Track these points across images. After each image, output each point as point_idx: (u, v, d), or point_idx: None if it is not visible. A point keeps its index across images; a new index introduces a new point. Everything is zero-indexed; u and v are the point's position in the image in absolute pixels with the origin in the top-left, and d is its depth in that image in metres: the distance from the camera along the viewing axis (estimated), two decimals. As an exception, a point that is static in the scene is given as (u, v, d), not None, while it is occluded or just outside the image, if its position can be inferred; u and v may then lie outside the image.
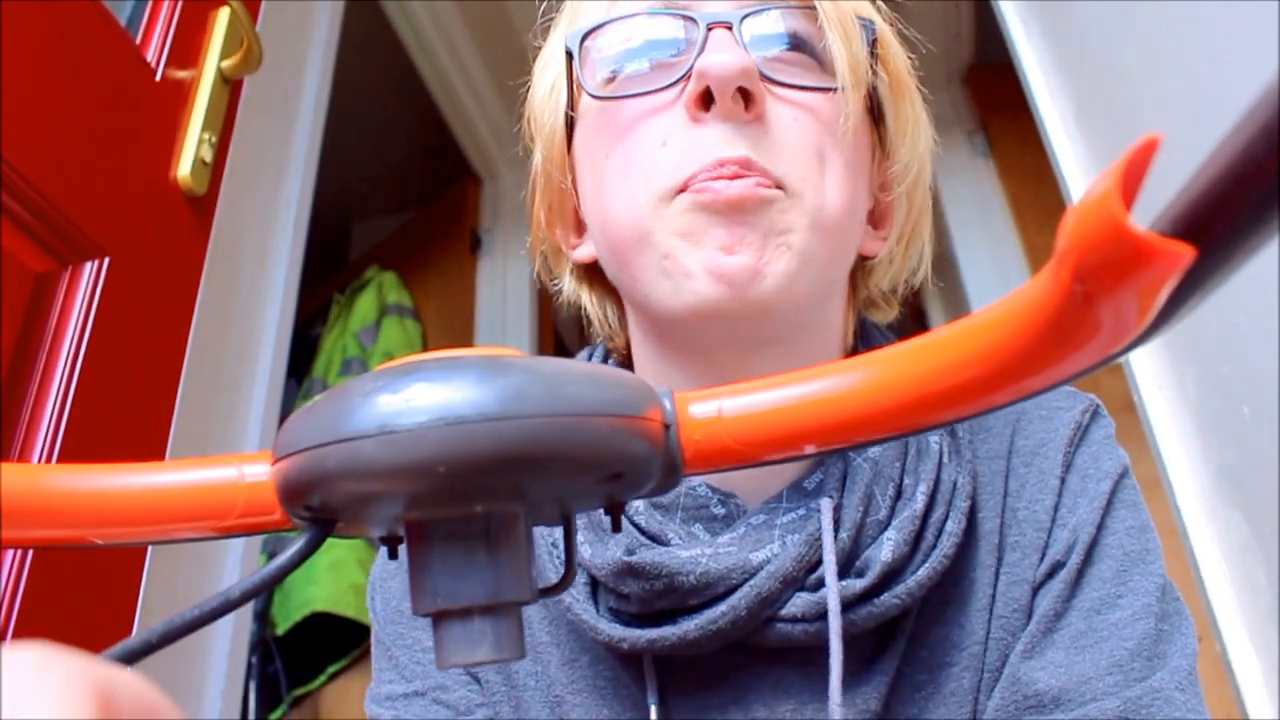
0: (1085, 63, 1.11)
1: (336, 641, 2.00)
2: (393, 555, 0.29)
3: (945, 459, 0.51)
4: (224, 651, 1.07)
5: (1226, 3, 0.78)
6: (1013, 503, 0.52)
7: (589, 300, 0.59)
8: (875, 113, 0.53)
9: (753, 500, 0.52)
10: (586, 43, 0.52)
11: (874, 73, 0.51)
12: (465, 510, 0.26)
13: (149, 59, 1.02)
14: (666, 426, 0.27)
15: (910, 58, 0.55)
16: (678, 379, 0.53)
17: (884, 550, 0.47)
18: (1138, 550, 0.49)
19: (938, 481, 0.50)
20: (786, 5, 0.50)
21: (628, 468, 0.26)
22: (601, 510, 0.31)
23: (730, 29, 0.48)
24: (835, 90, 0.48)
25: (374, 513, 0.26)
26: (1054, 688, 0.46)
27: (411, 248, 2.64)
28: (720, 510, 0.51)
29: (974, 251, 2.35)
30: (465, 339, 2.41)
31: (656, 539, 0.51)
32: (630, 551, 0.49)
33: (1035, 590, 0.50)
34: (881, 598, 0.47)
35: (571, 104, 0.54)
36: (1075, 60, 1.15)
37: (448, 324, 2.49)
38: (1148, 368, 1.02)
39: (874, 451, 0.50)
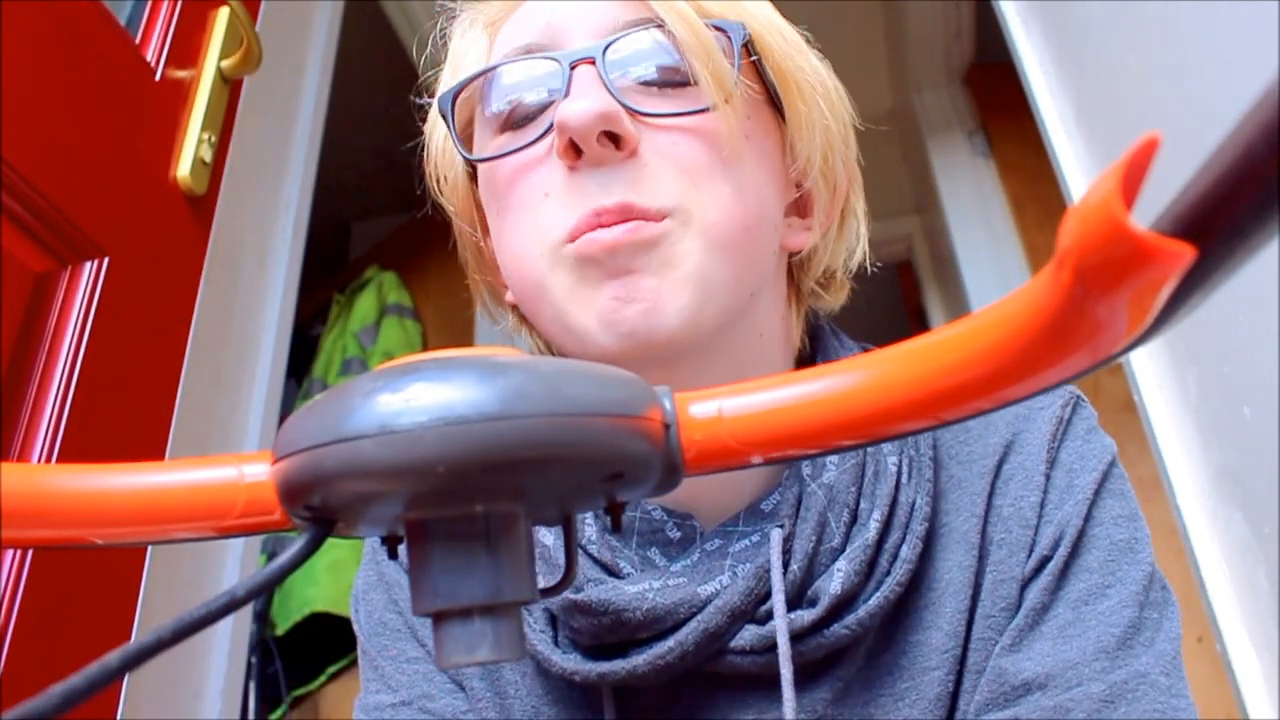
0: (1085, 63, 1.11)
1: (336, 642, 2.00)
2: (392, 555, 0.29)
3: (903, 479, 0.50)
4: (224, 652, 1.07)
5: (1226, 3, 0.78)
6: (997, 501, 0.51)
7: (530, 338, 0.59)
8: (778, 105, 0.51)
9: (710, 522, 0.51)
10: (459, 101, 0.51)
11: (760, 72, 0.50)
12: (465, 510, 0.26)
13: (149, 59, 1.02)
14: (667, 426, 0.27)
15: (804, 37, 0.53)
16: None
17: (834, 582, 0.47)
18: (1125, 539, 0.49)
19: (894, 504, 0.49)
20: (646, 27, 0.48)
21: (628, 468, 0.26)
22: (604, 510, 0.31)
23: (594, 63, 0.47)
24: (707, 110, 0.47)
25: (374, 513, 0.26)
26: (1039, 675, 0.45)
27: (411, 248, 2.63)
28: (676, 534, 0.51)
29: (974, 251, 2.36)
30: (465, 339, 2.41)
31: (608, 569, 0.50)
32: (578, 589, 0.49)
33: (1023, 586, 0.49)
34: (831, 629, 0.47)
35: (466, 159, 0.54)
36: (1075, 60, 1.15)
37: (448, 324, 2.49)
38: (1148, 368, 1.02)
39: (830, 476, 0.49)
